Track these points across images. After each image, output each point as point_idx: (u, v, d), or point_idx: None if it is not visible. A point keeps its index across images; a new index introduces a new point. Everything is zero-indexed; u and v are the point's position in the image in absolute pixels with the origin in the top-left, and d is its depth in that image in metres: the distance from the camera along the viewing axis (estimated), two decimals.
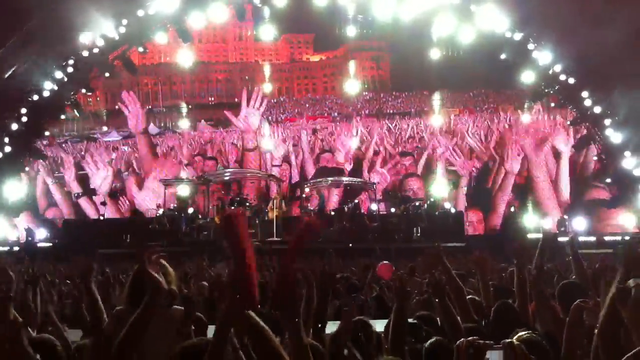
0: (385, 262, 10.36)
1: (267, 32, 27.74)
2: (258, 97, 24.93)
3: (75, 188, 24.86)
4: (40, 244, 21.54)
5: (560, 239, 15.32)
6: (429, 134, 28.42)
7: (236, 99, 29.75)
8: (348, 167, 25.89)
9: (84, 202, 24.73)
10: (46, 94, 22.09)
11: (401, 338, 3.97)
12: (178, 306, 3.85)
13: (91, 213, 24.48)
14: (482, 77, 26.99)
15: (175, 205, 22.04)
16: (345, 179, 24.54)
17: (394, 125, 29.36)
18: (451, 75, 26.84)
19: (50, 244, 21.54)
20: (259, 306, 2.78)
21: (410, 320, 4.32)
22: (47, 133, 23.70)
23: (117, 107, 30.67)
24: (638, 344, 2.42)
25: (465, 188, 24.10)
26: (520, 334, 3.49)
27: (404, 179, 25.13)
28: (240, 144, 27.50)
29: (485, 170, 25.49)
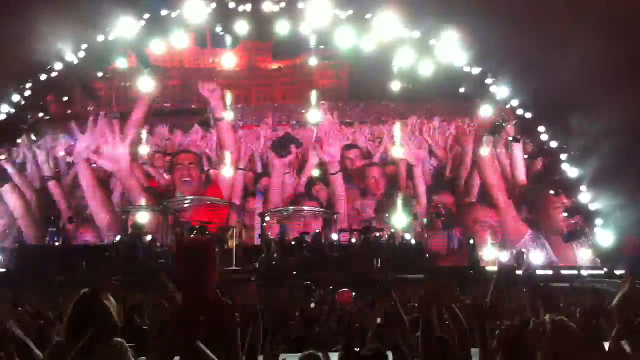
0: (344, 289, 10.36)
1: (229, 60, 27.73)
2: None
3: None
4: None
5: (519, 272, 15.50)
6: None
7: (193, 105, 29.51)
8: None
9: None
10: (2, 117, 21.79)
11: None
12: (119, 339, 3.71)
13: None
14: (440, 110, 27.50)
15: (131, 231, 21.72)
16: (307, 208, 24.47)
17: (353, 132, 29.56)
18: (409, 108, 27.37)
19: (4, 270, 21.04)
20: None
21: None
22: (2, 157, 23.29)
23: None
24: None
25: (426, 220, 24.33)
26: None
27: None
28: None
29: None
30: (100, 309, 3.07)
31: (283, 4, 22.45)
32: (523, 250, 21.33)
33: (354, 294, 9.95)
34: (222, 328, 2.74)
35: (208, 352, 2.71)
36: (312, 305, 10.29)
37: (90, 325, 3.10)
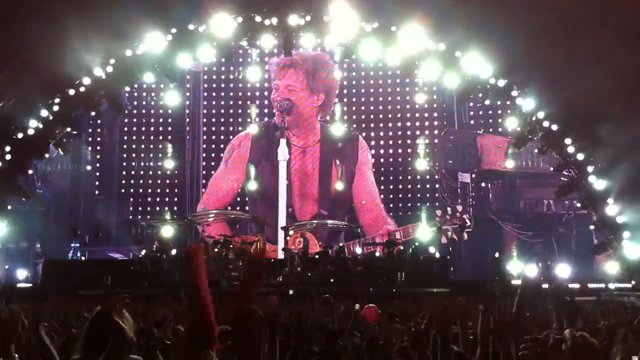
0: (371, 304, 10.32)
1: (254, 74, 27.93)
2: None
3: None
4: (20, 285, 21.24)
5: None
6: None
7: None
8: None
9: None
10: (31, 132, 22.10)
11: None
12: (135, 355, 3.71)
13: None
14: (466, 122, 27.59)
15: (157, 246, 21.83)
16: (330, 222, 24.50)
17: None
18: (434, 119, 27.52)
19: (30, 285, 21.26)
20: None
21: None
22: (30, 171, 23.56)
23: None
24: None
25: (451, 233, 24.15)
26: None
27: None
28: None
29: None
30: (114, 325, 3.08)
31: (308, 18, 22.52)
32: (549, 262, 21.12)
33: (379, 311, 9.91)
34: (250, 341, 2.75)
35: None
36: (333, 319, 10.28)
37: (106, 343, 3.10)
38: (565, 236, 25.71)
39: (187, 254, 2.74)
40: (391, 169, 30.27)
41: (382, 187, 29.83)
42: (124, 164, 30.84)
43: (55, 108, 22.36)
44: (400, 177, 30.14)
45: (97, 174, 30.66)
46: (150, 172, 30.59)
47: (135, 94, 29.91)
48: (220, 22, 22.22)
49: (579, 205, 23.22)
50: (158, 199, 30.65)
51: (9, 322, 3.77)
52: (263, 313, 3.47)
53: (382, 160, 30.40)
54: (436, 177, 29.58)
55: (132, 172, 30.78)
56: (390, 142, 30.38)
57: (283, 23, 22.48)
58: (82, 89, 22.38)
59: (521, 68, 21.34)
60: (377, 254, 22.28)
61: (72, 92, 22.26)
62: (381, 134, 30.50)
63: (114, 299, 3.34)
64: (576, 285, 18.67)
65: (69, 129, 23.31)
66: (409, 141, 30.05)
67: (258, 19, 22.48)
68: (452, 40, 21.90)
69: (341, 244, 22.49)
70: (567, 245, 23.97)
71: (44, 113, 22.20)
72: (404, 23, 21.86)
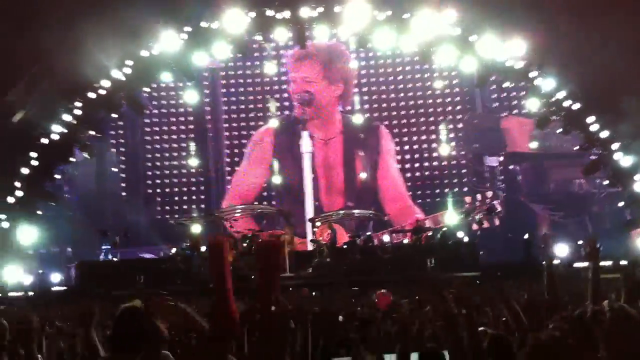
0: (383, 291, 10.21)
1: (271, 68, 28.04)
2: None
3: None
4: (54, 288, 21.54)
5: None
6: None
7: None
8: None
9: None
10: (55, 137, 22.35)
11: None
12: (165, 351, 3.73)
13: None
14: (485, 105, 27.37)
15: (187, 243, 21.97)
16: (356, 211, 24.53)
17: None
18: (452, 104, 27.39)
19: (65, 287, 21.54)
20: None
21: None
22: (57, 176, 23.82)
23: None
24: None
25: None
26: None
27: None
28: None
29: None
30: (149, 324, 3.09)
31: (320, 9, 22.49)
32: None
33: (391, 298, 9.84)
34: (274, 333, 2.77)
35: None
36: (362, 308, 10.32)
37: (138, 341, 3.13)
38: (599, 215, 25.45)
39: (209, 245, 2.77)
40: (416, 156, 30.20)
41: (408, 176, 29.78)
42: (148, 164, 31.08)
43: (78, 112, 22.53)
44: (426, 164, 30.06)
45: (123, 175, 30.94)
46: (175, 171, 30.80)
47: (155, 94, 30.10)
48: (232, 18, 22.25)
49: (606, 183, 23.03)
50: (185, 198, 30.86)
51: (34, 329, 3.80)
52: (292, 305, 3.51)
53: (406, 148, 30.33)
54: (462, 162, 29.45)
55: (157, 172, 31.02)
56: (414, 129, 30.27)
57: (295, 16, 22.49)
58: (102, 92, 22.55)
59: (539, 48, 21.13)
60: (405, 241, 22.27)
61: (92, 95, 22.44)
62: (403, 121, 30.40)
63: (154, 300, 3.34)
64: (608, 263, 18.50)
65: (92, 132, 23.52)
66: (432, 127, 29.94)
67: (270, 13, 22.50)
68: (467, 23, 21.77)
69: (368, 233, 22.49)
70: (601, 224, 23.73)
71: (67, 117, 22.42)
72: (417, 9, 21.76)
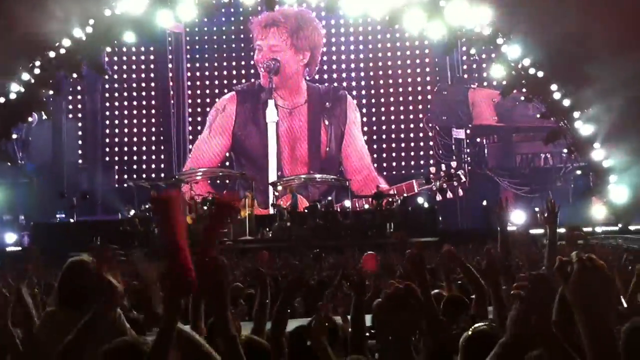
0: (370, 252, 10.12)
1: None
2: None
3: None
4: (8, 249, 21.11)
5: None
6: None
7: None
8: None
9: None
10: (12, 96, 21.81)
11: (361, 334, 3.89)
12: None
13: None
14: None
15: (146, 206, 21.70)
16: (318, 176, 24.42)
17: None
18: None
19: (20, 248, 21.13)
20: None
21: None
22: (14, 136, 23.30)
23: None
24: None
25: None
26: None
27: None
28: None
29: None
30: (99, 278, 2.88)
31: None
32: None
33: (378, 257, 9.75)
34: (216, 288, 2.65)
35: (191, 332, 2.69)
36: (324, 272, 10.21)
37: (86, 295, 2.98)
38: (563, 189, 25.64)
39: (152, 200, 2.60)
40: (383, 127, 30.08)
41: (374, 147, 29.69)
42: (107, 131, 30.32)
43: (37, 71, 21.99)
44: (393, 136, 29.97)
45: (80, 142, 30.23)
46: (135, 139, 30.28)
47: (116, 58, 29.53)
48: None
49: (564, 152, 23.21)
50: (144, 166, 30.40)
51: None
52: (226, 261, 3.33)
53: (373, 119, 30.20)
54: (430, 134, 29.43)
55: (116, 139, 30.41)
56: (382, 99, 30.13)
57: None
58: (62, 51, 22.01)
59: (507, 14, 21.10)
60: (366, 206, 22.25)
61: (52, 54, 21.89)
62: (372, 91, 30.24)
63: (105, 254, 3.09)
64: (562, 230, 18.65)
65: (51, 92, 23.00)
66: (400, 98, 29.83)
67: None
68: None
69: (329, 198, 22.41)
70: (565, 199, 23.90)
71: (25, 77, 21.87)
72: None
